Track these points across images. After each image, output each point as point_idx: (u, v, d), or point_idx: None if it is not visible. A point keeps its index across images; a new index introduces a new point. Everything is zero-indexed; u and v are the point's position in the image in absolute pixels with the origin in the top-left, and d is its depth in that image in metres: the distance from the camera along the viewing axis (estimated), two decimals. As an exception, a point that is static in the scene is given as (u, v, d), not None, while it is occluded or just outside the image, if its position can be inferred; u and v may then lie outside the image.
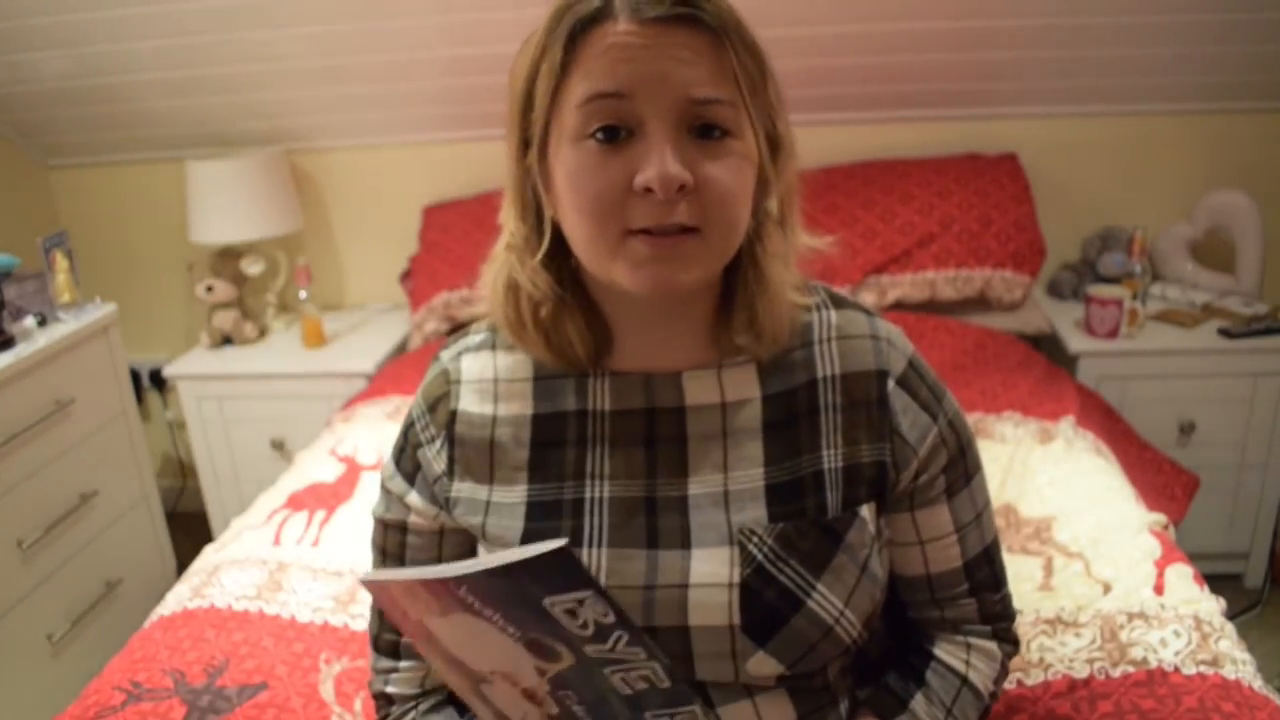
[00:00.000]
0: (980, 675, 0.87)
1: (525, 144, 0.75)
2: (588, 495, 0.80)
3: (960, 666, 0.86)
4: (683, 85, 0.69)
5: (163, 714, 1.16)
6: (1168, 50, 2.17)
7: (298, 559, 1.51)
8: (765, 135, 0.74)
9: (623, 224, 0.70)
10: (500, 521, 0.81)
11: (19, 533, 1.76)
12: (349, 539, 1.57)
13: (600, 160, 0.70)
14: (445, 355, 0.87)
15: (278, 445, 2.39)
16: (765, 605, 0.75)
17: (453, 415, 0.83)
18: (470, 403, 0.84)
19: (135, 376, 2.48)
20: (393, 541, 0.88)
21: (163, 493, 2.27)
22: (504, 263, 0.80)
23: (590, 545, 0.79)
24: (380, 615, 0.90)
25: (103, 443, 2.00)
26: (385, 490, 0.88)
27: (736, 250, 0.75)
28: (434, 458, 0.84)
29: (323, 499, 1.70)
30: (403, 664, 0.89)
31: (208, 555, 1.57)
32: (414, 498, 0.86)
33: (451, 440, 0.83)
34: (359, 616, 1.36)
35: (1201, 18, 2.07)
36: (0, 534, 1.73)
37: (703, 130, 0.70)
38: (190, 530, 2.61)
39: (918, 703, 0.84)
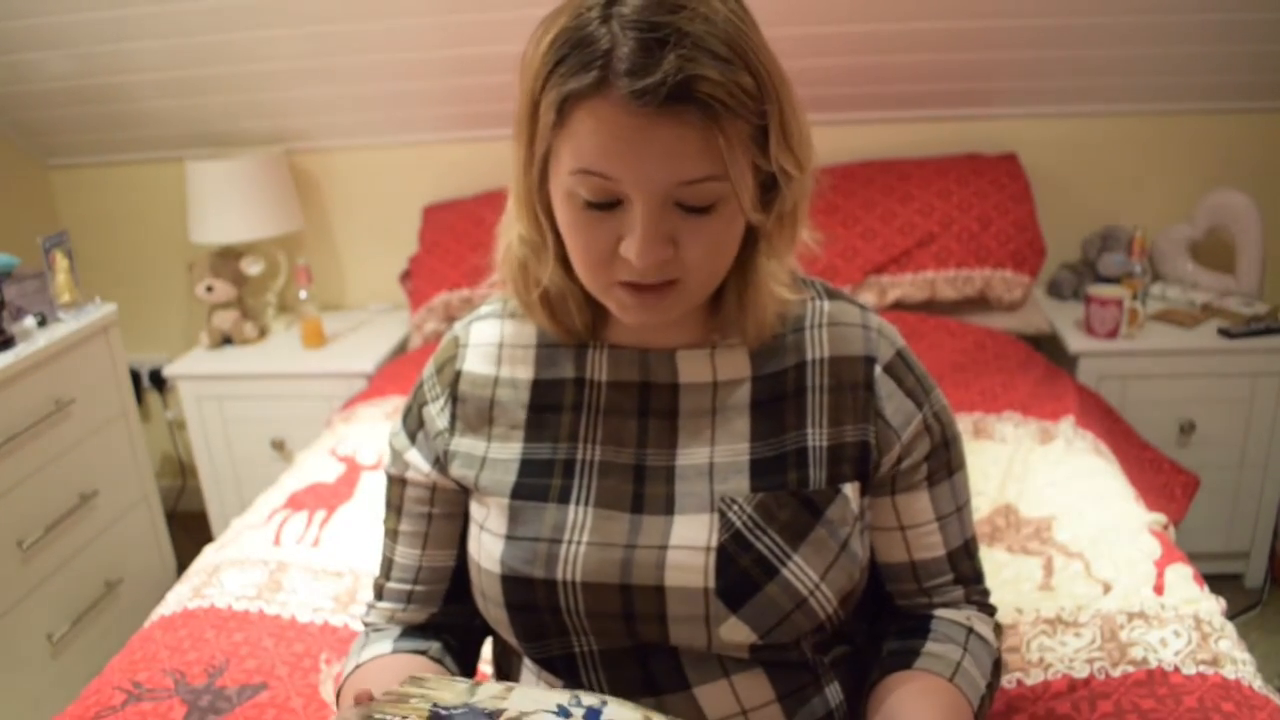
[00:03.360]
0: (983, 629, 0.88)
1: (531, 161, 0.76)
2: (579, 457, 0.83)
3: (963, 620, 0.87)
4: (670, 173, 0.69)
5: (163, 714, 1.16)
6: (1167, 50, 2.17)
7: (298, 559, 1.51)
8: (765, 174, 0.73)
9: (610, 276, 0.74)
10: (493, 475, 0.84)
11: (19, 533, 1.76)
12: (349, 539, 1.57)
13: (588, 222, 0.73)
14: (459, 324, 0.93)
15: (278, 445, 2.39)
16: (740, 571, 0.77)
17: (457, 375, 0.88)
18: (475, 364, 0.88)
19: (135, 376, 2.47)
20: (395, 494, 0.92)
21: (163, 493, 2.27)
22: (519, 248, 0.82)
23: (577, 503, 0.82)
24: (386, 566, 0.94)
25: (103, 443, 2.00)
26: (391, 446, 0.93)
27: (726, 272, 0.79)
28: (437, 415, 0.88)
29: (323, 499, 1.70)
30: (380, 603, 0.94)
31: (208, 555, 1.57)
32: (412, 454, 0.90)
33: (455, 398, 0.88)
34: (359, 617, 1.36)
35: (1202, 18, 2.07)
36: (0, 534, 1.73)
37: (689, 205, 0.71)
38: (190, 530, 2.61)
39: (930, 647, 0.84)
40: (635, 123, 0.67)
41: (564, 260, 0.79)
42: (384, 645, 0.90)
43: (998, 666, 0.88)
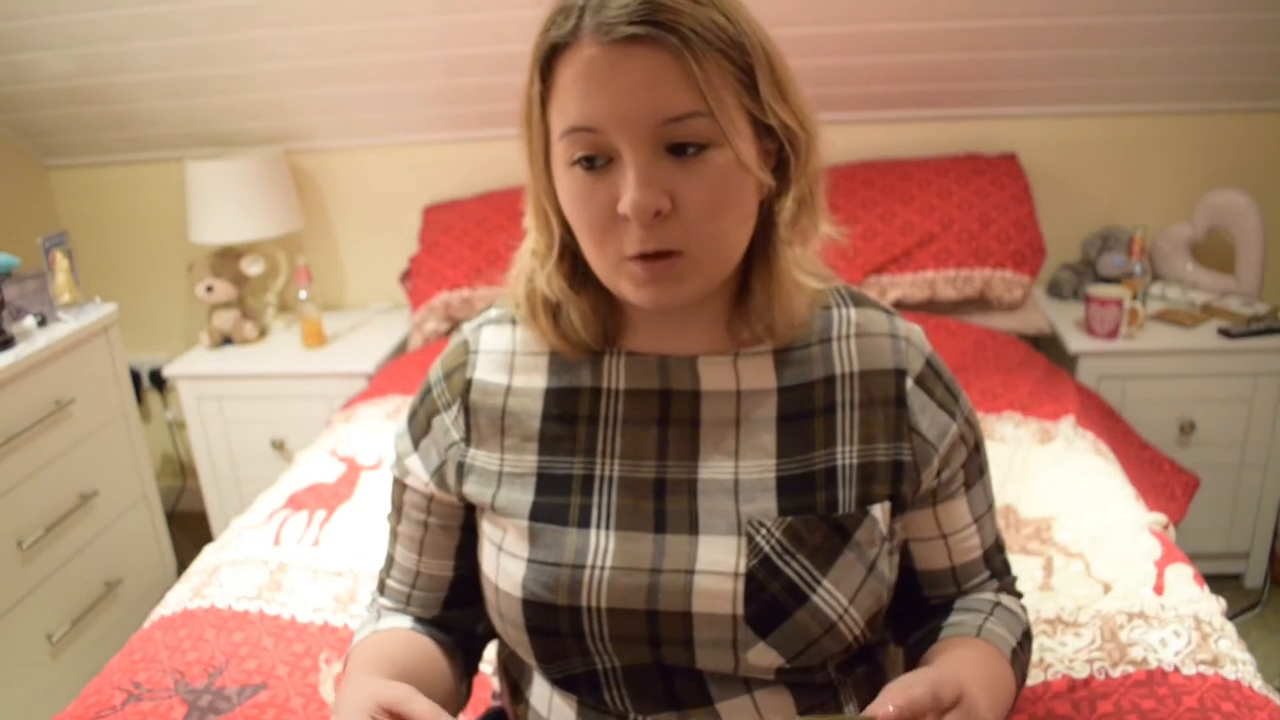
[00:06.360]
0: (1010, 603, 0.88)
1: (534, 154, 0.76)
2: (597, 473, 0.81)
3: (988, 597, 0.88)
4: (649, 110, 0.68)
5: (163, 714, 1.16)
6: (1168, 50, 2.17)
7: (298, 559, 1.51)
8: (765, 130, 0.73)
9: (619, 249, 0.72)
10: (510, 494, 0.82)
11: (19, 533, 1.76)
12: (349, 539, 1.57)
13: (587, 187, 0.71)
14: (467, 327, 0.90)
15: (278, 445, 2.39)
16: (769, 597, 0.75)
17: (468, 383, 0.85)
18: (486, 372, 0.85)
19: (135, 376, 2.48)
20: (396, 495, 0.91)
21: (163, 493, 2.27)
22: (530, 261, 0.82)
23: (598, 527, 0.79)
24: (388, 562, 0.94)
25: (103, 443, 2.00)
26: (394, 447, 0.92)
27: (742, 251, 0.76)
28: (451, 424, 0.86)
29: (323, 499, 1.70)
30: (382, 598, 0.94)
31: (208, 555, 1.57)
32: (413, 461, 0.88)
33: (467, 408, 0.85)
34: (359, 617, 1.36)
35: (1202, 18, 2.07)
36: (0, 534, 1.73)
37: (679, 148, 0.70)
38: (190, 530, 2.61)
39: (952, 619, 0.85)
40: (607, 57, 0.68)
41: (567, 269, 0.79)
42: (403, 620, 0.90)
43: (1028, 637, 0.87)
